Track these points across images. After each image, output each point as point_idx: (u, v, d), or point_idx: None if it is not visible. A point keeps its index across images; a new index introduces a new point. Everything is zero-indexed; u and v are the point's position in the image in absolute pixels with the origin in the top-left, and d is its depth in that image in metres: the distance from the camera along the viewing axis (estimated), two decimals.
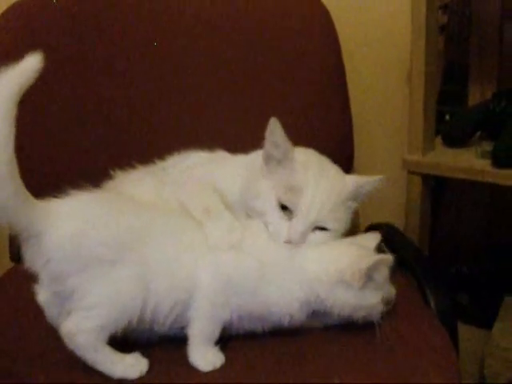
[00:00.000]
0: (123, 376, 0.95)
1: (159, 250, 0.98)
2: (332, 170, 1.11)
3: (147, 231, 0.98)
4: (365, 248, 1.06)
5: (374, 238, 1.10)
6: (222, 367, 0.99)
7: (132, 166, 1.24)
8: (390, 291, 1.07)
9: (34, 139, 1.38)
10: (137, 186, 1.16)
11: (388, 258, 1.03)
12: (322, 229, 1.04)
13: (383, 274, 1.02)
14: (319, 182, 1.04)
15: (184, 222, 1.04)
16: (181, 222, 1.04)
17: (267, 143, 1.07)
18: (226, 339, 1.02)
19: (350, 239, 1.09)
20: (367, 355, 1.00)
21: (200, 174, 1.16)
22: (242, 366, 0.99)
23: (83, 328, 0.92)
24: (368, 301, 1.01)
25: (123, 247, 0.95)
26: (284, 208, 1.04)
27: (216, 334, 1.00)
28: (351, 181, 1.09)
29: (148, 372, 0.97)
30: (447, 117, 1.66)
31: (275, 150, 1.07)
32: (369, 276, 0.99)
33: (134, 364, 0.97)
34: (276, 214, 1.05)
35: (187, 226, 1.03)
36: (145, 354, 0.98)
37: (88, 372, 0.94)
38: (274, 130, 1.05)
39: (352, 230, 1.36)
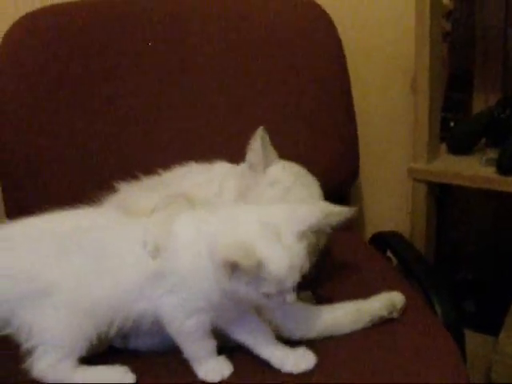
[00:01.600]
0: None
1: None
2: (301, 193, 1.12)
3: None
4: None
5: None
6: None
7: (136, 177, 1.25)
8: (399, 299, 1.08)
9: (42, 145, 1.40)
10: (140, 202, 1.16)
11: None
12: None
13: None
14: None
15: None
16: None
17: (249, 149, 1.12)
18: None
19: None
20: (373, 360, 1.00)
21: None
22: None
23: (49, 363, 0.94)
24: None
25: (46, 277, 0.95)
26: None
27: (209, 347, 0.99)
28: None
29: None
30: (452, 124, 1.66)
31: (253, 156, 1.11)
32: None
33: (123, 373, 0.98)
34: None
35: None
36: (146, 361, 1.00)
37: None
38: (259, 137, 1.10)
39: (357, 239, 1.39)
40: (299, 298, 1.08)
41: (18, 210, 1.38)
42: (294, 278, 0.90)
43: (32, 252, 0.96)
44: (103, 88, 1.42)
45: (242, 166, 1.18)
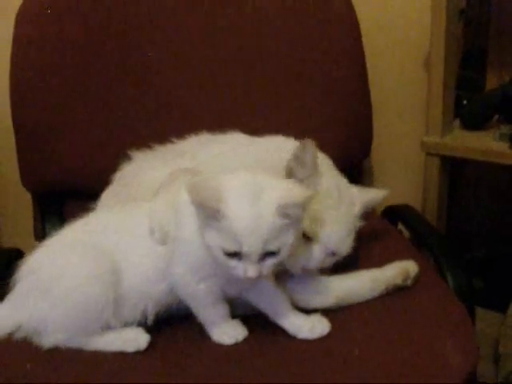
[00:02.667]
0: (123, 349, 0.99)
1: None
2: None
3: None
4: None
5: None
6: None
7: (149, 146, 1.27)
8: (412, 267, 1.10)
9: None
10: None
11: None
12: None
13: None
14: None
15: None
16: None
17: (294, 160, 1.05)
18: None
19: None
20: (386, 327, 1.02)
21: None
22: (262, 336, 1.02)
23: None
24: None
25: None
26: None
27: (222, 312, 1.01)
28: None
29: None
30: (465, 101, 1.66)
31: (300, 170, 1.05)
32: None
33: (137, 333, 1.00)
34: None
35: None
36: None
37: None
38: (308, 149, 1.04)
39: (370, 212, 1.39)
40: None
41: (31, 174, 1.45)
42: (256, 246, 0.89)
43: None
44: (121, 56, 1.44)
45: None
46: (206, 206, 0.88)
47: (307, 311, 1.03)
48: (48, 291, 0.98)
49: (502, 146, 1.42)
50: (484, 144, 1.46)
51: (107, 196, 1.23)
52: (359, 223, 1.13)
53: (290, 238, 0.92)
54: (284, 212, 0.89)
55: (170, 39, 1.45)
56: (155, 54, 1.44)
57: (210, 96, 1.46)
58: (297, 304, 1.04)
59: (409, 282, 1.10)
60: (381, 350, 0.97)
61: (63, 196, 1.47)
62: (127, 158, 1.26)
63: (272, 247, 0.91)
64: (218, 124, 1.28)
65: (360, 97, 1.51)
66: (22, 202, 1.57)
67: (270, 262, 0.92)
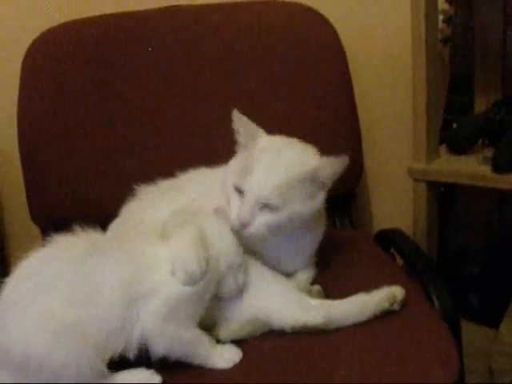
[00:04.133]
0: None
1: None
2: (292, 152, 1.14)
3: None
4: None
5: None
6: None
7: (153, 180, 1.33)
8: (399, 292, 1.14)
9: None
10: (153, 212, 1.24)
11: None
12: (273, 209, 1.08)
13: None
14: (271, 162, 1.10)
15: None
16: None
17: (236, 133, 1.17)
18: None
19: None
20: (372, 346, 1.07)
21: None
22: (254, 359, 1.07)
23: None
24: None
25: None
26: (240, 191, 1.11)
27: (207, 340, 1.05)
28: (310, 163, 1.12)
29: None
30: (454, 125, 1.71)
31: (240, 137, 1.16)
32: None
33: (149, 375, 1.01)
34: (233, 198, 1.12)
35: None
36: None
37: None
38: (236, 119, 1.15)
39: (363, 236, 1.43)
40: (309, 292, 1.18)
41: (40, 211, 1.51)
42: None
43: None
44: (118, 95, 1.52)
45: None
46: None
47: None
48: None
49: (485, 170, 1.46)
50: (469, 168, 1.50)
51: (114, 227, 1.29)
52: (314, 188, 1.13)
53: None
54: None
55: (163, 78, 1.54)
56: (157, 92, 1.52)
57: (211, 129, 1.52)
58: (285, 320, 1.10)
59: (396, 307, 1.13)
60: (365, 369, 1.01)
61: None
62: (133, 192, 1.32)
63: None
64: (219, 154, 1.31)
65: (350, 125, 1.56)
66: (32, 234, 1.62)
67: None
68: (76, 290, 0.96)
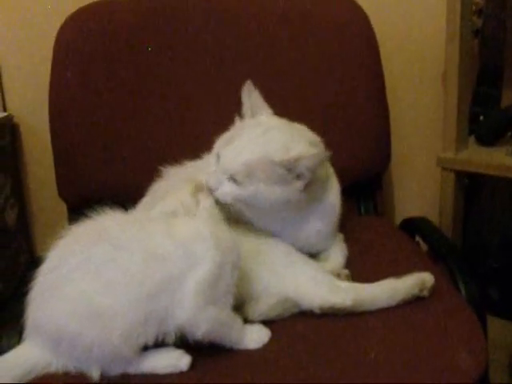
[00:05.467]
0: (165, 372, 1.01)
1: None
2: (279, 135, 1.12)
3: None
4: None
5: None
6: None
7: (179, 162, 1.33)
8: (429, 278, 1.14)
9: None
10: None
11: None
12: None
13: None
14: (250, 140, 1.10)
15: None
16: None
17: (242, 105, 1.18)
18: None
19: None
20: (401, 333, 1.07)
21: None
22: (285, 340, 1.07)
23: None
24: None
25: None
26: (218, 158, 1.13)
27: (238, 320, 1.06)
28: (291, 151, 1.10)
29: None
30: (481, 118, 1.71)
31: (244, 109, 1.18)
32: None
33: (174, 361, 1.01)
34: (212, 163, 1.14)
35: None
36: None
37: None
38: (246, 91, 1.16)
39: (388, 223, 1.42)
40: (338, 276, 1.19)
41: (67, 187, 1.53)
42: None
43: None
44: (150, 75, 1.52)
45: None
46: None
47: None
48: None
49: None
50: (497, 159, 1.50)
51: (142, 206, 1.30)
52: (291, 177, 1.10)
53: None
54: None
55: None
56: (187, 74, 1.53)
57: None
58: (314, 300, 1.10)
59: (425, 293, 1.13)
60: (395, 354, 1.02)
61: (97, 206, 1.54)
62: (159, 173, 1.32)
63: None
64: None
65: (379, 113, 1.56)
66: (58, 210, 1.64)
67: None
68: (108, 273, 0.97)
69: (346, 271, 1.22)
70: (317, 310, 1.11)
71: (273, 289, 1.12)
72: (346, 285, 1.16)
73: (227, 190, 1.10)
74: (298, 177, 1.10)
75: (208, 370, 1.01)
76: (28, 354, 1.00)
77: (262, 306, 1.11)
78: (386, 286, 1.14)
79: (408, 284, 1.13)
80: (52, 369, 1.00)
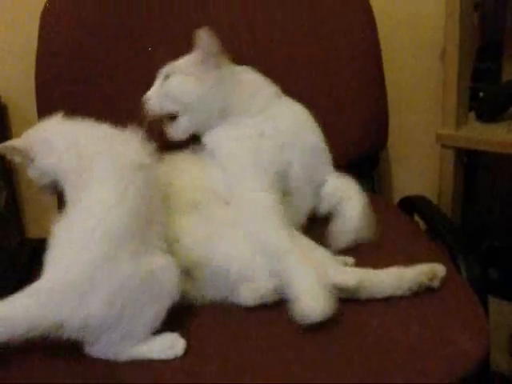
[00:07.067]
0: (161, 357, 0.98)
1: None
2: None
3: None
4: None
5: None
6: None
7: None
8: (441, 269, 1.09)
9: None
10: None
11: None
12: None
13: None
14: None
15: None
16: None
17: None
18: None
19: None
20: (401, 314, 1.04)
21: None
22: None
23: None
24: None
25: None
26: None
27: None
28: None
29: None
30: (481, 94, 1.67)
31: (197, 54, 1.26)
32: None
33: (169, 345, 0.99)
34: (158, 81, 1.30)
35: None
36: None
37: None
38: (205, 38, 1.21)
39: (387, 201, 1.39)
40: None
41: None
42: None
43: None
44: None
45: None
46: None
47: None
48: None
49: None
50: (498, 136, 1.47)
51: None
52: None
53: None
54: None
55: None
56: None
57: None
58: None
59: (435, 283, 1.08)
60: (395, 337, 0.99)
61: None
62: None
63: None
64: None
65: (376, 89, 1.54)
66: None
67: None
68: None
69: (351, 259, 1.17)
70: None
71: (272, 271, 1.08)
72: (352, 268, 1.12)
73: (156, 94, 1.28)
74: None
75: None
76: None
77: (261, 290, 1.08)
78: (392, 272, 1.08)
79: (416, 272, 1.08)
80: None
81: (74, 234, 0.96)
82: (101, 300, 0.92)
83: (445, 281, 1.11)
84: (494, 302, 1.67)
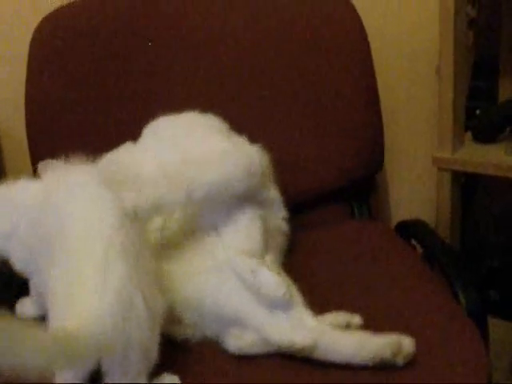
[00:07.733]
0: None
1: None
2: None
3: None
4: None
5: None
6: None
7: None
8: (408, 344, 0.98)
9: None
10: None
11: None
12: None
13: None
14: None
15: None
16: None
17: None
18: None
19: None
20: None
21: None
22: None
23: None
24: None
25: None
26: None
27: None
28: None
29: None
30: (477, 112, 1.65)
31: None
32: None
33: None
34: None
35: None
36: None
37: None
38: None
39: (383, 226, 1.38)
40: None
41: None
42: None
43: None
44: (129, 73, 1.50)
45: None
46: None
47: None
48: None
49: None
50: (495, 158, 1.45)
51: None
52: None
53: None
54: None
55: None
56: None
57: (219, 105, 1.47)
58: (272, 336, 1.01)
59: (399, 360, 0.95)
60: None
61: None
62: None
63: None
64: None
65: (371, 112, 1.51)
66: None
67: None
68: None
69: (358, 319, 1.06)
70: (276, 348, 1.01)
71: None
72: (313, 325, 1.03)
73: None
74: None
75: None
76: None
77: (246, 339, 1.04)
78: (354, 338, 0.99)
79: (380, 343, 0.96)
80: None
81: None
82: None
83: (441, 308, 1.10)
84: (495, 324, 1.64)
